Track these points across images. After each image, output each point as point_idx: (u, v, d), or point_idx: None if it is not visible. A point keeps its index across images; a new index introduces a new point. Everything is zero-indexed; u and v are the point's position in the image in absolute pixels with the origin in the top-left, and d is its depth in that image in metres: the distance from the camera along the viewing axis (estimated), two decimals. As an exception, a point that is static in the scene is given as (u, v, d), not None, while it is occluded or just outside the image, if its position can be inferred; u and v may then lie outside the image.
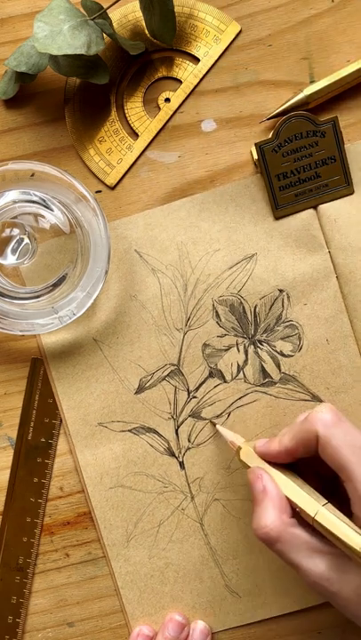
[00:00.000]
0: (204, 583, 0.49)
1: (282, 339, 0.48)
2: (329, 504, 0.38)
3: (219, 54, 0.48)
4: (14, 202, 0.46)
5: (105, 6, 0.45)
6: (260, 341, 0.48)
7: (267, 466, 0.42)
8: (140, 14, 0.47)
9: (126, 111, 0.48)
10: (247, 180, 0.48)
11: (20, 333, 0.45)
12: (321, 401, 0.48)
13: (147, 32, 0.47)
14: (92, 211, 0.45)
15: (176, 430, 0.48)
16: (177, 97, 0.48)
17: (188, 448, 0.48)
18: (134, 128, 0.48)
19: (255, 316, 0.48)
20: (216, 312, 0.48)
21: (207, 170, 0.48)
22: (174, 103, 0.48)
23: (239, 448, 0.44)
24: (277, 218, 0.48)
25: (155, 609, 0.49)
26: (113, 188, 0.48)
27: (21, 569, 0.49)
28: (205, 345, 0.48)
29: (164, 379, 0.48)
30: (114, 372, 0.48)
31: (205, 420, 0.48)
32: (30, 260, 0.47)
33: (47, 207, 0.46)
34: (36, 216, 0.46)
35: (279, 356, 0.48)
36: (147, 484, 0.48)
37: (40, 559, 0.49)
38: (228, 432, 0.46)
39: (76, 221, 0.46)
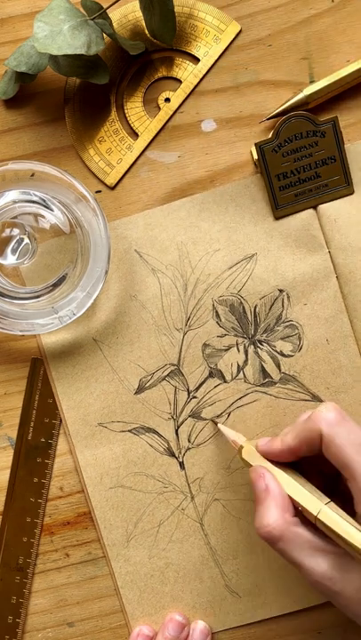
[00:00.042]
0: (204, 583, 0.49)
1: (282, 339, 0.48)
2: (332, 503, 0.38)
3: (219, 54, 0.48)
4: (14, 202, 0.46)
5: (105, 6, 0.45)
6: (260, 341, 0.48)
7: (269, 464, 0.41)
8: (140, 14, 0.47)
9: (126, 111, 0.48)
10: (247, 179, 0.48)
11: (20, 333, 0.45)
12: (321, 401, 0.48)
13: (147, 32, 0.47)
14: (92, 211, 0.45)
15: (176, 430, 0.48)
16: (177, 97, 0.48)
17: (188, 448, 0.48)
18: (134, 128, 0.48)
19: (255, 316, 0.48)
20: (216, 312, 0.48)
21: (207, 170, 0.48)
22: (174, 103, 0.48)
23: (241, 447, 0.44)
24: (277, 218, 0.48)
25: (155, 609, 0.49)
26: (113, 188, 0.48)
27: (21, 569, 0.49)
28: (205, 345, 0.48)
29: (164, 379, 0.48)
30: (114, 372, 0.48)
31: (205, 420, 0.48)
32: (30, 260, 0.47)
33: (47, 207, 0.46)
34: (36, 216, 0.46)
35: (279, 356, 0.48)
36: (147, 484, 0.48)
37: (40, 559, 0.49)
38: (230, 431, 0.46)
39: (76, 221, 0.46)
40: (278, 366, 0.48)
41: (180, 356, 0.48)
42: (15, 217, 0.46)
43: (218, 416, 0.48)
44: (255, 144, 0.47)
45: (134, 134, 0.48)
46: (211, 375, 0.48)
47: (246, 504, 0.48)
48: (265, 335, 0.48)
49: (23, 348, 0.49)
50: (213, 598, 0.49)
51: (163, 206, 0.48)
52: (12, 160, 0.45)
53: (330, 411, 0.39)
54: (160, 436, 0.48)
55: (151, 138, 0.48)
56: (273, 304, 0.48)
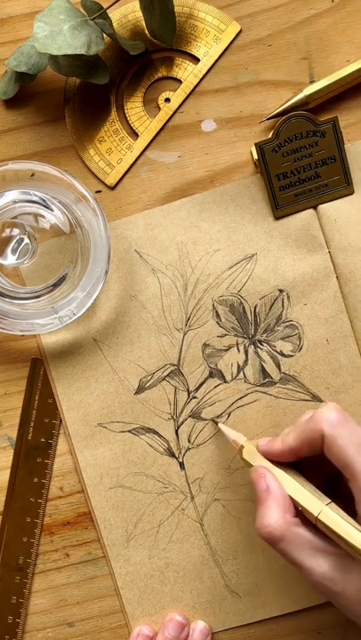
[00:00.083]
0: (204, 583, 0.49)
1: (282, 339, 0.48)
2: (333, 503, 0.38)
3: (219, 54, 0.48)
4: (14, 202, 0.46)
5: (105, 6, 0.45)
6: (260, 341, 0.48)
7: (270, 465, 0.41)
8: (140, 14, 0.47)
9: (126, 111, 0.48)
10: (247, 179, 0.48)
11: (20, 333, 0.45)
12: (321, 401, 0.48)
13: (147, 32, 0.47)
14: (92, 211, 0.45)
15: (176, 431, 0.48)
16: (177, 97, 0.48)
17: (188, 448, 0.48)
18: (134, 128, 0.48)
19: (255, 316, 0.48)
20: (216, 312, 0.48)
21: (207, 170, 0.48)
22: (174, 103, 0.48)
23: (242, 447, 0.44)
24: (277, 218, 0.48)
25: (155, 609, 0.49)
26: (113, 188, 0.48)
27: (21, 569, 0.49)
28: (205, 345, 0.48)
29: (164, 379, 0.48)
30: (113, 372, 0.48)
31: (205, 420, 0.48)
32: (30, 260, 0.47)
33: (47, 207, 0.46)
34: (36, 216, 0.46)
35: (279, 356, 0.48)
36: (147, 484, 0.48)
37: (40, 559, 0.49)
38: (231, 431, 0.46)
39: (76, 221, 0.46)
40: (278, 366, 0.48)
41: (180, 356, 0.48)
42: (15, 217, 0.46)
43: (218, 416, 0.48)
44: (255, 144, 0.47)
45: (134, 134, 0.48)
46: (211, 375, 0.48)
47: (246, 504, 0.48)
48: (265, 335, 0.48)
49: (23, 348, 0.49)
50: (213, 598, 0.49)
51: (163, 206, 0.48)
52: (12, 160, 0.45)
53: (331, 411, 0.39)
54: (160, 436, 0.48)
55: (151, 138, 0.48)
56: (273, 304, 0.48)
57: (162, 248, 0.48)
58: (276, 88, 0.48)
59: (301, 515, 0.39)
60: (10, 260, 0.46)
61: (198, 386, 0.48)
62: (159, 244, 0.48)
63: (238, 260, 0.48)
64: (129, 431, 0.48)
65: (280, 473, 0.41)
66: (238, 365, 0.48)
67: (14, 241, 0.46)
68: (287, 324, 0.48)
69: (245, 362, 0.48)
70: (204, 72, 0.48)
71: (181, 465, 0.48)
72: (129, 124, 0.48)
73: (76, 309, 0.45)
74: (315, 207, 0.48)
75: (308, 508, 0.38)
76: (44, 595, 0.49)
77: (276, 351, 0.48)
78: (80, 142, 0.48)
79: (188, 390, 0.48)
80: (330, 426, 0.39)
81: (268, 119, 0.47)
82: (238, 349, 0.48)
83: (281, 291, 0.48)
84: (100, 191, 0.48)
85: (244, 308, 0.48)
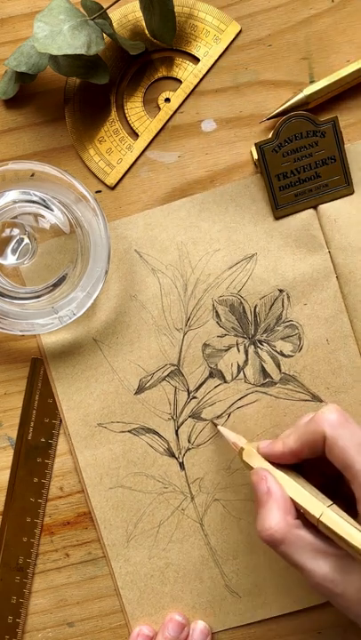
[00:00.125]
0: (204, 583, 0.49)
1: (282, 339, 0.48)
2: (334, 505, 0.38)
3: (219, 54, 0.48)
4: (14, 202, 0.46)
5: (105, 6, 0.45)
6: (260, 341, 0.48)
7: (270, 467, 0.41)
8: (140, 14, 0.47)
9: (126, 111, 0.48)
10: (247, 179, 0.48)
11: (20, 333, 0.45)
12: (321, 401, 0.48)
13: (147, 32, 0.47)
14: (92, 211, 0.45)
15: (176, 431, 0.48)
16: (177, 97, 0.48)
17: (188, 449, 0.48)
18: (134, 128, 0.48)
19: (255, 316, 0.48)
20: (216, 312, 0.48)
21: (207, 170, 0.48)
22: (174, 103, 0.48)
23: (242, 449, 0.44)
24: (277, 218, 0.48)
25: (155, 609, 0.49)
26: (113, 188, 0.48)
27: (21, 569, 0.49)
28: (205, 345, 0.48)
29: (164, 379, 0.48)
30: (114, 372, 0.48)
31: (205, 420, 0.48)
32: (30, 260, 0.47)
33: (47, 207, 0.46)
34: (36, 216, 0.46)
35: (279, 356, 0.48)
36: (147, 484, 0.48)
37: (40, 559, 0.49)
38: (230, 433, 0.46)
39: (76, 221, 0.46)
40: (278, 366, 0.48)
41: (180, 356, 0.48)
42: (15, 217, 0.46)
43: (218, 416, 0.48)
44: (255, 144, 0.47)
45: (134, 134, 0.48)
46: (211, 375, 0.48)
47: (246, 504, 0.48)
48: (265, 335, 0.48)
49: (23, 348, 0.49)
50: (213, 598, 0.49)
51: (163, 206, 0.48)
52: (12, 160, 0.45)
53: (332, 412, 0.39)
54: (160, 436, 0.48)
55: (151, 138, 0.48)
56: (273, 304, 0.48)
57: (162, 248, 0.48)
58: (276, 88, 0.48)
59: (302, 517, 0.39)
60: (10, 259, 0.46)
61: (198, 386, 0.48)
62: (159, 243, 0.48)
63: (238, 260, 0.48)
64: (129, 431, 0.48)
65: (281, 475, 0.41)
66: (238, 365, 0.48)
67: (14, 241, 0.46)
68: (287, 324, 0.48)
69: (245, 362, 0.48)
70: (204, 72, 0.48)
71: (181, 465, 0.48)
72: (129, 124, 0.48)
73: (76, 309, 0.45)
74: (315, 207, 0.48)
75: (310, 509, 0.38)
76: (44, 595, 0.49)
77: (276, 351, 0.48)
78: (80, 142, 0.48)
79: (188, 390, 0.48)
80: (331, 427, 0.38)
81: (268, 119, 0.47)
82: (238, 349, 0.48)
83: (281, 291, 0.48)
84: (100, 191, 0.48)
85: (244, 308, 0.48)
